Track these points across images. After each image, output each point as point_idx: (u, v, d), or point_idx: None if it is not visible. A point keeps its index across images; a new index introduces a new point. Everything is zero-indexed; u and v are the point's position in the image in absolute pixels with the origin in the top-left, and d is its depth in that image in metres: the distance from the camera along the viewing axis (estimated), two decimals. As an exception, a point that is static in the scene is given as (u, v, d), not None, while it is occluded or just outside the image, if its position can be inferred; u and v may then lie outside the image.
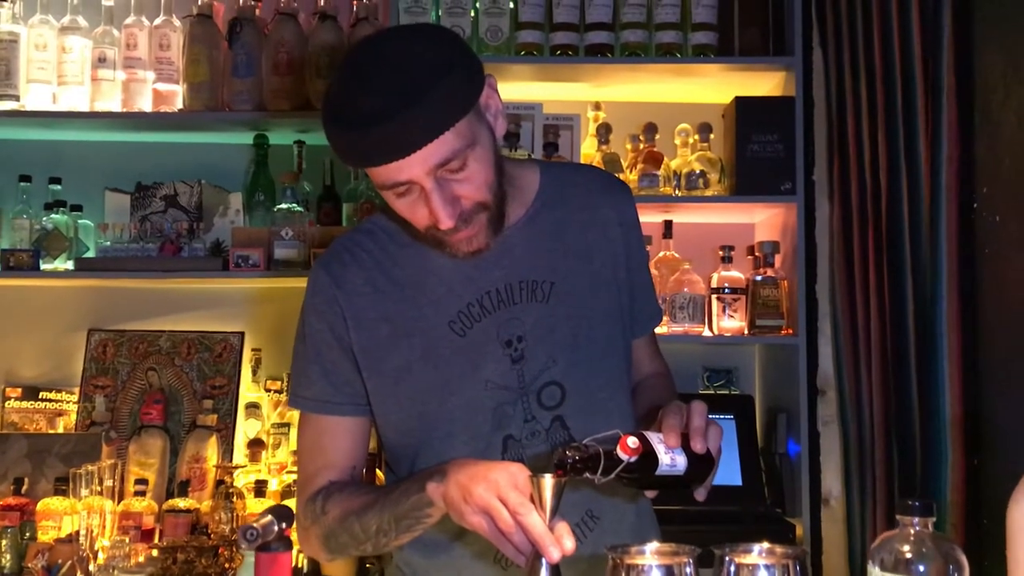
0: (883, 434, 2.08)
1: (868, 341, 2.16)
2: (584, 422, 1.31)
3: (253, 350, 2.61)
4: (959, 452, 1.58)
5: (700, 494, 1.18)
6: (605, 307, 1.37)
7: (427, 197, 1.17)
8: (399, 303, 1.32)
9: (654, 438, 1.11)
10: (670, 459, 1.10)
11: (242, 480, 2.40)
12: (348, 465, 1.36)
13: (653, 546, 0.97)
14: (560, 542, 1.03)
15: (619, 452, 1.05)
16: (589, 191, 1.40)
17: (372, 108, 1.13)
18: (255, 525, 0.90)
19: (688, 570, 0.94)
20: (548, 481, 1.04)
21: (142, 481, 2.36)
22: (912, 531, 0.88)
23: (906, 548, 0.87)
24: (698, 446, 1.12)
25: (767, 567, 0.92)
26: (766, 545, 0.95)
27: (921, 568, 0.86)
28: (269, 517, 0.92)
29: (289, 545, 0.94)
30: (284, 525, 0.93)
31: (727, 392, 2.61)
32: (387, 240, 1.35)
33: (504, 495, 1.05)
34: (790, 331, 2.39)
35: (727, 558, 0.94)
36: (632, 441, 1.06)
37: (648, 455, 1.08)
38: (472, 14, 2.42)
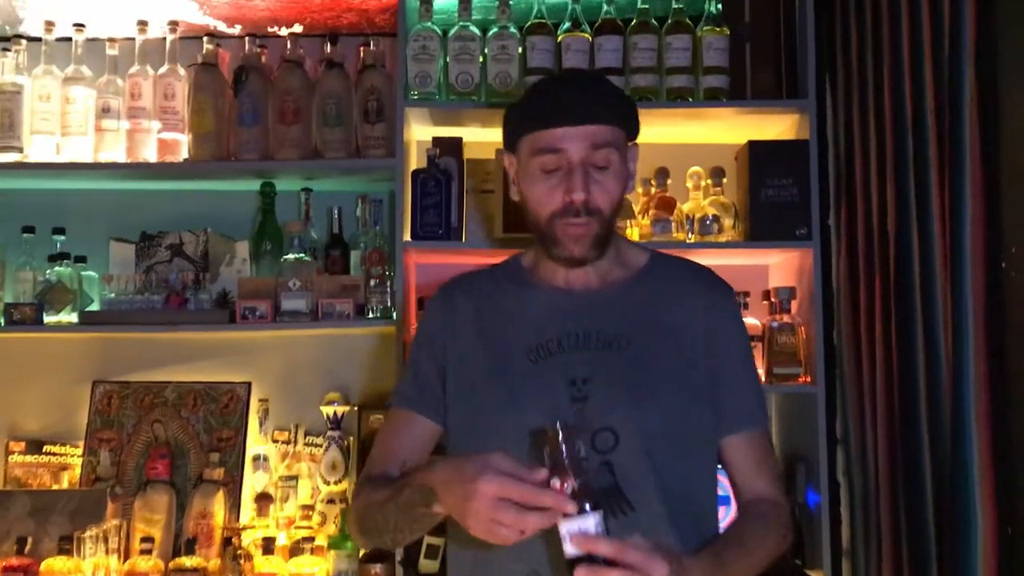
0: (889, 491, 2.03)
1: (874, 395, 2.10)
2: (632, 474, 1.36)
3: (260, 400, 2.57)
4: (990, 519, 1.53)
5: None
6: (677, 378, 1.42)
7: (571, 173, 1.38)
8: (493, 325, 1.49)
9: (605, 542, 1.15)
10: (591, 527, 1.15)
11: (249, 537, 2.35)
12: (402, 458, 1.48)
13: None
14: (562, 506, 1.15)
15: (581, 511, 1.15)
16: (688, 280, 1.52)
17: (578, 75, 1.51)
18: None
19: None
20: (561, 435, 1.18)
21: (148, 539, 2.31)
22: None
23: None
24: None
25: None
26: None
27: None
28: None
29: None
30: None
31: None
32: (502, 277, 1.56)
33: (497, 517, 1.15)
34: (808, 379, 2.34)
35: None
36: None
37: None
38: (480, 60, 2.39)
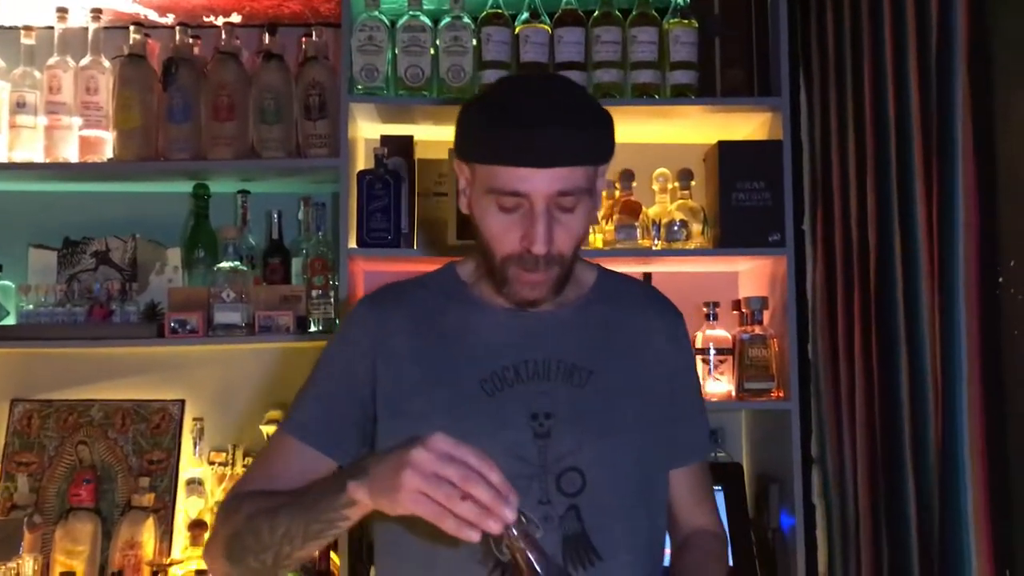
0: (869, 516, 1.89)
1: (852, 412, 1.96)
2: (600, 519, 1.24)
3: (195, 419, 2.38)
4: (986, 560, 1.39)
5: None
6: (640, 411, 1.31)
7: (532, 218, 1.20)
8: (436, 349, 1.31)
9: None
10: None
11: (181, 570, 2.17)
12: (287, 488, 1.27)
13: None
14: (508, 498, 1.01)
15: None
16: (640, 299, 1.41)
17: (545, 109, 1.17)
18: None
19: None
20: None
21: (69, 573, 2.12)
22: None
23: None
24: None
25: None
26: None
27: None
28: None
29: None
30: None
31: (713, 456, 2.40)
32: (439, 292, 1.36)
33: (443, 472, 1.01)
34: (781, 394, 2.20)
35: None
36: None
37: None
38: (432, 52, 2.22)
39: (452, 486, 1.00)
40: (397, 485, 1.02)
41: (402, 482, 1.01)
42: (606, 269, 1.44)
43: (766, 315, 2.26)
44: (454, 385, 1.28)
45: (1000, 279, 1.39)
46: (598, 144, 1.22)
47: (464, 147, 1.25)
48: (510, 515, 0.99)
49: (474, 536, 0.99)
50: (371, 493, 1.06)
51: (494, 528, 0.99)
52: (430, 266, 2.28)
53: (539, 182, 1.18)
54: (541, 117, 1.17)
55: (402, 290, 1.38)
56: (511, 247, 1.22)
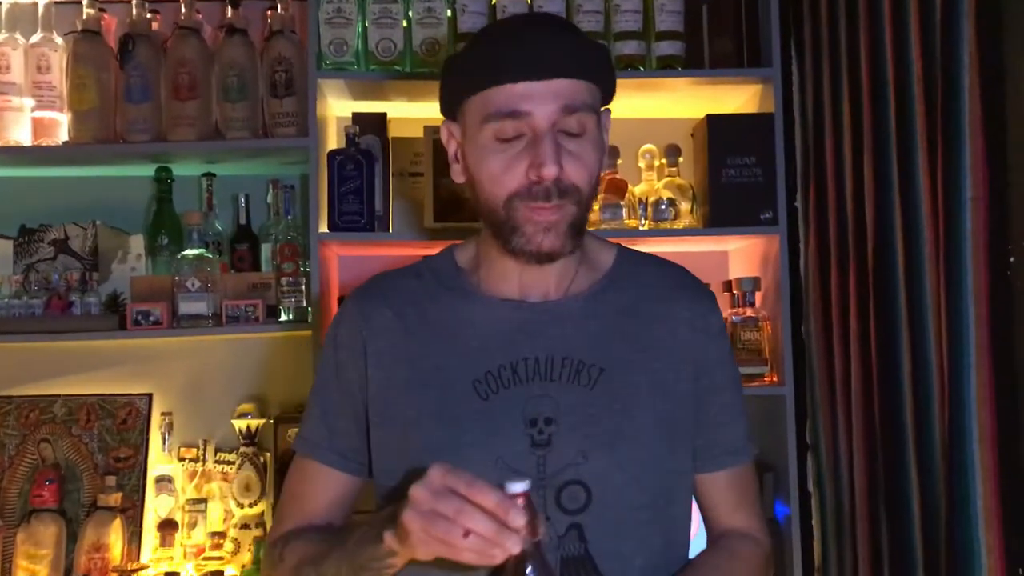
0: (866, 507, 1.81)
1: (848, 398, 1.88)
2: (607, 540, 1.12)
3: (163, 414, 2.27)
4: (998, 557, 1.31)
5: None
6: (660, 414, 1.17)
7: (537, 142, 1.09)
8: (425, 346, 1.19)
9: None
10: None
11: (151, 573, 2.07)
12: (324, 523, 1.24)
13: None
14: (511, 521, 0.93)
15: None
16: (665, 284, 1.25)
17: (542, 22, 1.13)
18: None
19: None
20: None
21: (31, 579, 2.02)
22: None
23: None
24: None
25: None
26: None
27: None
28: None
29: None
30: None
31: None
32: (433, 280, 1.24)
33: (438, 508, 0.94)
34: (775, 378, 2.12)
35: None
36: None
37: None
38: (404, 24, 2.10)
39: (451, 521, 0.93)
40: (406, 531, 0.97)
41: (407, 527, 0.96)
42: (628, 250, 1.29)
43: (758, 296, 2.18)
44: (443, 387, 1.16)
45: (1011, 258, 1.29)
46: (603, 62, 1.15)
47: (452, 92, 1.15)
48: (514, 546, 0.92)
49: (495, 561, 0.94)
50: (400, 543, 1.01)
51: (499, 559, 0.93)
52: (406, 250, 2.21)
53: (540, 98, 1.08)
54: (535, 30, 1.10)
55: (392, 281, 1.26)
56: (517, 182, 1.10)
